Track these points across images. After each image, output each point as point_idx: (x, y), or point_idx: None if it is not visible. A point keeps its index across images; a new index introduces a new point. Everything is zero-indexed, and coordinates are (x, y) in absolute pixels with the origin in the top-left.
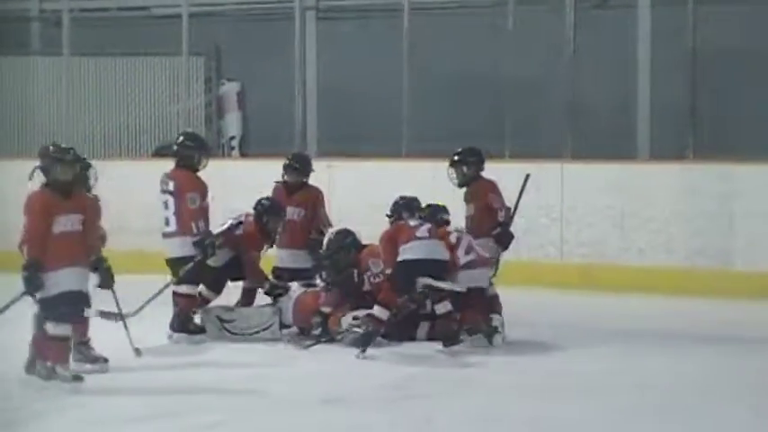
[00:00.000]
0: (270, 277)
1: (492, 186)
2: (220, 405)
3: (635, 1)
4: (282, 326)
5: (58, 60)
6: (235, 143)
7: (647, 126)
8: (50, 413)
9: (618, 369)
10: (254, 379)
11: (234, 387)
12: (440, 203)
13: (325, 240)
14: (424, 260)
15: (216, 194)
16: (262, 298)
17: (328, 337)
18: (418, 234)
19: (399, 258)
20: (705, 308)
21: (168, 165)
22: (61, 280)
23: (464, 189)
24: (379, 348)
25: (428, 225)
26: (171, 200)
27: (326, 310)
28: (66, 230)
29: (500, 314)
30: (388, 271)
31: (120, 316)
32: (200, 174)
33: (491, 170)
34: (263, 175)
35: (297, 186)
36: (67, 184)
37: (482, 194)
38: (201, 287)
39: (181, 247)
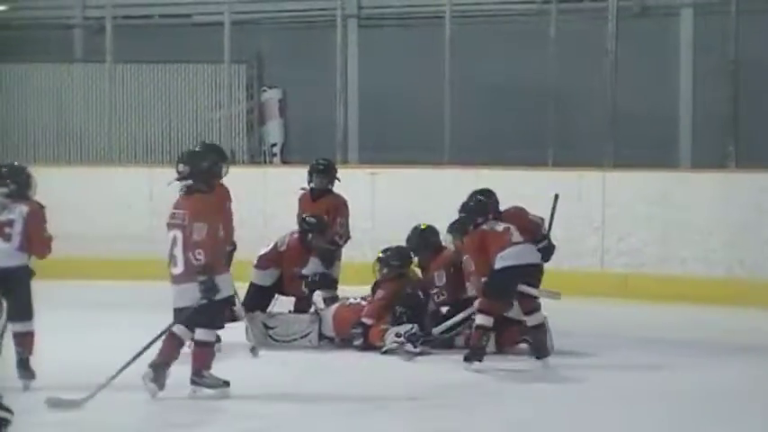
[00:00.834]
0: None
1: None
2: (258, 411)
3: (677, 10)
4: (322, 336)
5: (100, 67)
6: (276, 150)
7: (688, 135)
8: (72, 423)
9: (655, 379)
10: (291, 386)
11: (273, 393)
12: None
13: (409, 234)
14: (524, 266)
15: (257, 201)
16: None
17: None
18: (513, 239)
19: (498, 266)
20: (744, 318)
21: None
22: (224, 285)
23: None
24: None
25: (513, 227)
26: None
27: (368, 321)
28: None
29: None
30: (483, 279)
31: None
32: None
33: (532, 179)
34: (305, 182)
35: (321, 193)
36: None
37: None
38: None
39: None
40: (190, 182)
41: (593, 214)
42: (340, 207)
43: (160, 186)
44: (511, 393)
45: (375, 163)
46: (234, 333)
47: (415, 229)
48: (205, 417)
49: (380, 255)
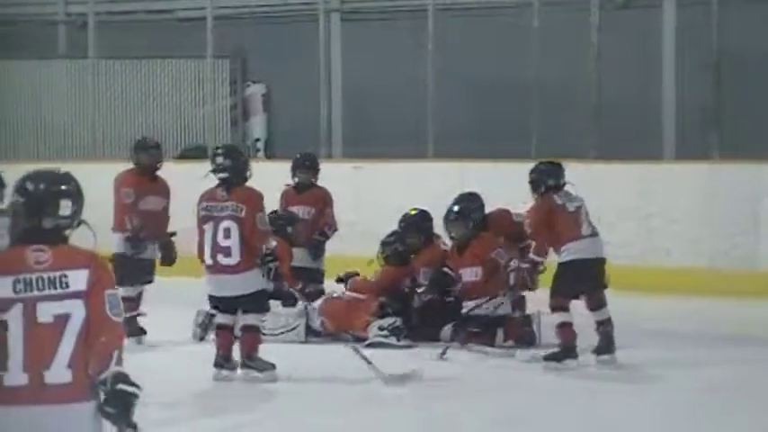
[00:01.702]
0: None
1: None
2: (250, 406)
3: (659, 1)
4: (309, 329)
5: (83, 63)
6: (260, 145)
7: (672, 126)
8: None
9: (643, 370)
10: (283, 380)
11: (265, 388)
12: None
13: (401, 216)
14: (591, 260)
15: None
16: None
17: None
18: (583, 232)
19: (563, 259)
20: (730, 309)
21: (194, 167)
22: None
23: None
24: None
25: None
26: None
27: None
28: None
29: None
30: (539, 259)
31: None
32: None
33: (516, 171)
34: (289, 178)
35: (306, 186)
36: None
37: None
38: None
39: None
40: (227, 175)
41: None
42: (327, 198)
43: None
44: (505, 385)
45: (359, 157)
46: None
47: (407, 213)
48: (193, 411)
49: (385, 239)
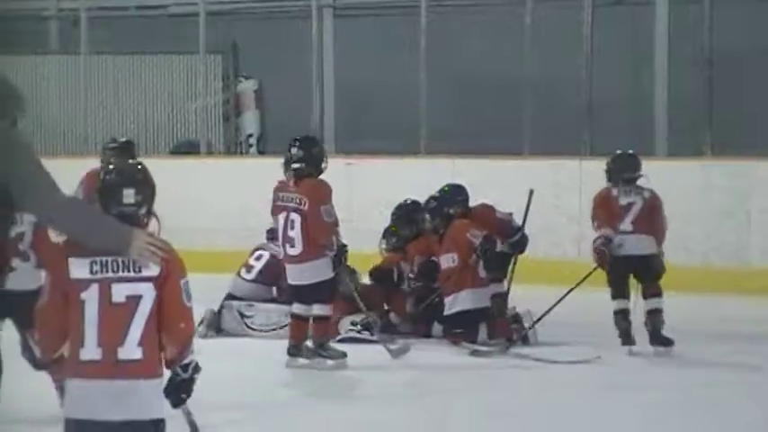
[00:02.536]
0: None
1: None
2: (241, 401)
3: None
4: None
5: (75, 59)
6: (252, 141)
7: (664, 123)
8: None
9: (633, 366)
10: (274, 375)
11: (255, 384)
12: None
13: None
14: (628, 258)
15: (233, 192)
16: None
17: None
18: (622, 227)
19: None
20: (722, 305)
21: (185, 163)
22: None
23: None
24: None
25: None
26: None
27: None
28: None
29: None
30: (602, 231)
31: None
32: None
33: (508, 167)
34: (281, 173)
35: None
36: None
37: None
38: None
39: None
40: (301, 165)
41: (570, 203)
42: None
43: None
44: (493, 380)
45: (351, 153)
46: None
47: (400, 204)
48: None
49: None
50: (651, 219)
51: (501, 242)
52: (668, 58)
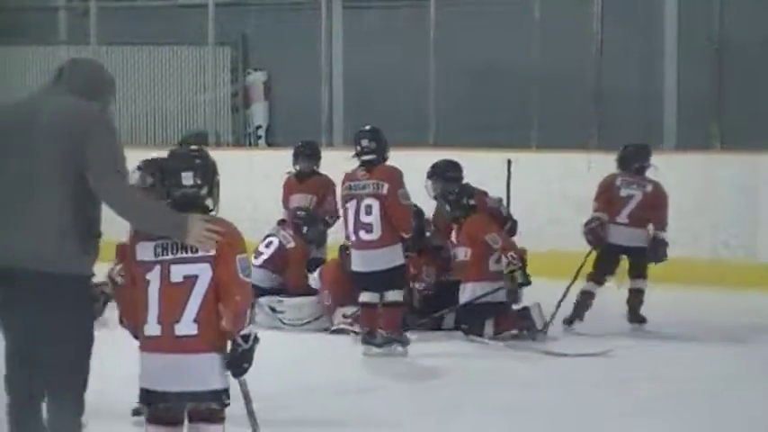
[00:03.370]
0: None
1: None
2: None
3: None
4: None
5: (84, 50)
6: (261, 132)
7: (673, 116)
8: None
9: (641, 360)
10: (283, 368)
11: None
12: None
13: None
14: (618, 246)
15: (242, 184)
16: None
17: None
18: (619, 219)
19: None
20: (730, 299)
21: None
22: None
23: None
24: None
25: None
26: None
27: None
28: None
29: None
30: (597, 215)
31: None
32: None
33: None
34: (290, 165)
35: (307, 174)
36: None
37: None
38: None
39: None
40: (373, 157)
41: (579, 195)
42: (329, 185)
43: None
44: (502, 374)
45: None
46: None
47: None
48: None
49: None
50: (649, 212)
51: None
52: (677, 50)
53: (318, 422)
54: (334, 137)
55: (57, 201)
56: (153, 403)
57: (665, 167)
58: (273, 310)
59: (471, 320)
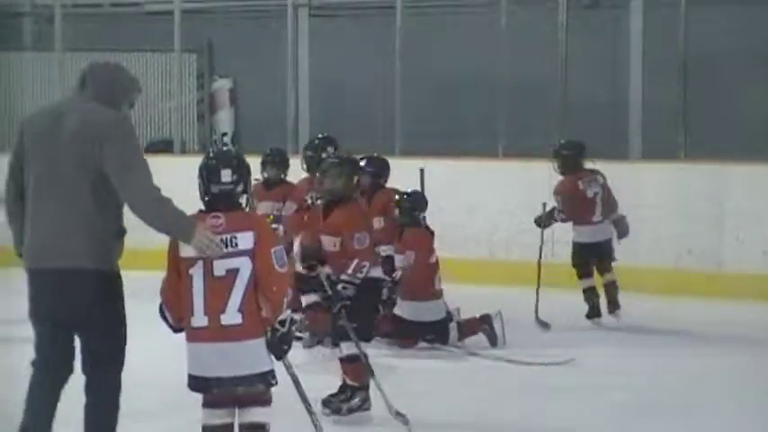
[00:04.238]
0: None
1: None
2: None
3: (627, 1)
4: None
5: (50, 56)
6: (227, 139)
7: (638, 126)
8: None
9: (610, 368)
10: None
11: None
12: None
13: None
14: (596, 244)
15: None
16: None
17: None
18: (594, 219)
19: (575, 239)
20: (694, 308)
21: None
22: None
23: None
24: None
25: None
26: None
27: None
28: None
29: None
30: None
31: None
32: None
33: (482, 169)
34: (256, 172)
35: (275, 182)
36: None
37: None
38: None
39: None
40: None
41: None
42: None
43: None
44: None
45: None
46: None
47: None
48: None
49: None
50: (608, 200)
51: None
52: (643, 60)
53: None
54: (300, 144)
55: (80, 202)
56: (207, 389)
57: (631, 177)
58: None
59: (435, 331)
